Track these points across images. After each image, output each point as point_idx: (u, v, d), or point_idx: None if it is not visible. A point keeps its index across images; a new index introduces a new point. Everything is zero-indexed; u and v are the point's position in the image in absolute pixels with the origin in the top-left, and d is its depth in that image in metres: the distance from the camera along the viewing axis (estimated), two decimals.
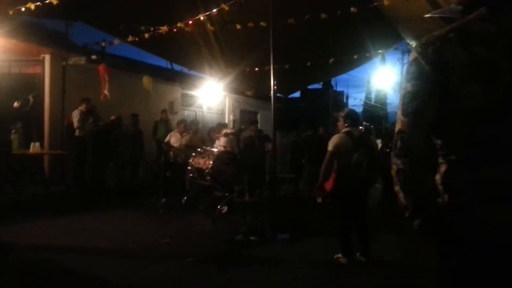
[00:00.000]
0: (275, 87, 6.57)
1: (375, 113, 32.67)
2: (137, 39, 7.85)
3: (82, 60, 9.36)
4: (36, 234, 5.56)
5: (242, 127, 10.15)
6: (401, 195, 1.48)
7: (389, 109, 32.77)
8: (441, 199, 1.44)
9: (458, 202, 1.41)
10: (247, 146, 9.06)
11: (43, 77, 9.22)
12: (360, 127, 6.02)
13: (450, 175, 1.44)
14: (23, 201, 7.32)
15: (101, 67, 8.92)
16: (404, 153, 1.45)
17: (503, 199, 1.34)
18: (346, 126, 4.81)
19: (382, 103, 32.12)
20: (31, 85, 9.09)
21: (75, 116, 8.54)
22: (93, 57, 9.19)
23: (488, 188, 1.36)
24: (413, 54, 1.47)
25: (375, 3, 6.67)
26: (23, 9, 6.41)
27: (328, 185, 4.70)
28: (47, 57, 9.20)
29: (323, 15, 7.16)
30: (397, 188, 1.48)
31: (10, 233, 5.53)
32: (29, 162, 8.00)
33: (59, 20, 9.30)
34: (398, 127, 1.48)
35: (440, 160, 1.46)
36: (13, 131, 7.49)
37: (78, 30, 9.89)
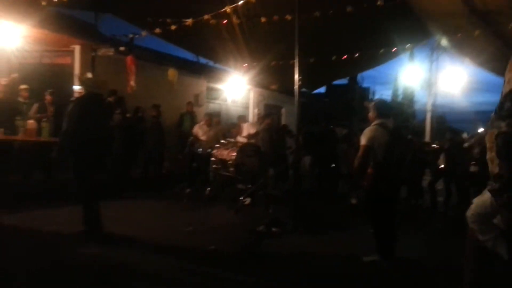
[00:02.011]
0: (299, 82, 6.53)
1: (402, 110, 32.12)
2: (163, 31, 7.90)
3: (110, 51, 9.48)
4: (64, 219, 5.69)
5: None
6: (495, 162, 1.35)
7: (417, 106, 32.14)
8: None
9: None
10: (263, 139, 9.03)
11: (73, 68, 9.42)
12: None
13: None
14: (53, 188, 7.49)
15: (129, 59, 9.00)
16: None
17: None
18: (378, 117, 4.52)
19: (409, 100, 31.47)
20: (62, 75, 9.30)
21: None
22: (121, 48, 9.25)
23: None
24: None
25: None
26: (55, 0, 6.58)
27: (365, 182, 4.45)
28: (77, 48, 9.38)
29: (349, 9, 7.07)
30: (491, 155, 1.35)
31: (47, 218, 5.73)
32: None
33: (89, 11, 9.48)
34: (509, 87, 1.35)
35: None
36: (44, 119, 7.68)
37: (107, 22, 10.05)
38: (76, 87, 7.90)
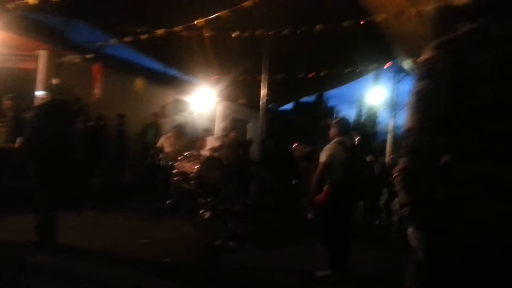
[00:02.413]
0: (267, 97, 6.64)
1: (365, 130, 32.91)
2: (133, 40, 7.85)
3: (77, 58, 9.31)
4: (15, 228, 5.53)
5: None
6: (402, 193, 1.49)
7: (380, 127, 33.02)
8: (439, 195, 1.44)
9: (456, 198, 1.41)
10: (227, 153, 9.06)
11: (37, 73, 9.21)
12: (356, 137, 5.94)
13: (450, 169, 1.43)
14: (4, 193, 7.24)
15: (95, 67, 8.94)
16: (409, 151, 1.47)
17: (504, 197, 1.34)
18: (338, 135, 4.65)
19: (373, 120, 32.30)
20: (25, 80, 9.08)
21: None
22: (88, 56, 9.15)
23: (490, 186, 1.36)
24: (427, 54, 1.51)
25: (367, 19, 6.80)
26: (21, 2, 6.45)
27: (321, 198, 4.52)
28: (43, 53, 9.17)
29: (318, 27, 7.21)
30: (398, 187, 1.50)
31: None
32: (14, 156, 7.95)
33: (58, 17, 9.32)
34: (406, 125, 1.50)
35: (443, 157, 1.45)
36: (1, 125, 7.46)
37: (78, 29, 9.91)
38: (39, 93, 7.73)
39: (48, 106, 5.15)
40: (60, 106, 5.16)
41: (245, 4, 6.06)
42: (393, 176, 1.55)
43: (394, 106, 16.20)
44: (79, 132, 7.96)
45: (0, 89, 8.13)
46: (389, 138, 15.85)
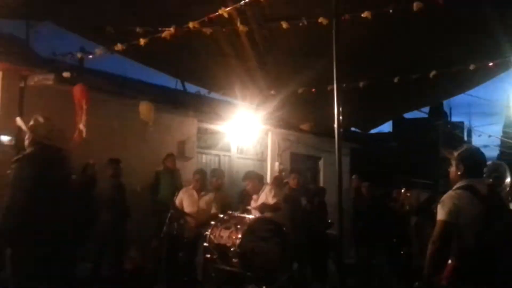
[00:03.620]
0: (341, 117, 6.65)
1: None
2: (129, 47, 8.14)
3: (49, 80, 9.62)
4: None
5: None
6: None
7: None
8: None
9: None
10: (287, 211, 9.04)
11: None
12: (489, 179, 5.68)
13: None
14: None
15: (76, 89, 9.14)
16: None
17: None
18: (464, 177, 4.58)
19: None
20: None
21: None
22: (65, 74, 9.41)
23: None
24: None
25: None
26: None
27: (443, 280, 4.43)
28: None
29: (416, 4, 7.11)
30: None
31: None
32: None
33: (18, 20, 9.83)
34: None
35: None
36: None
37: (44, 35, 10.32)
38: (4, 138, 8.01)
39: (37, 158, 5.27)
40: (54, 159, 5.35)
41: None
42: None
43: None
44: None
45: None
46: None
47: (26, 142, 5.44)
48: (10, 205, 4.96)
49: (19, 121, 5.69)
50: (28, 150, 5.37)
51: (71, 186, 5.82)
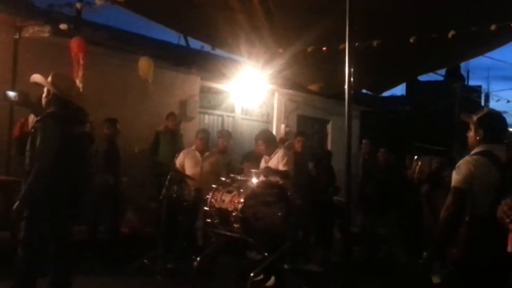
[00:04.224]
0: (352, 78, 6.57)
1: None
2: None
3: (45, 32, 9.57)
4: None
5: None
6: None
7: None
8: None
9: None
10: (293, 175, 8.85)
11: None
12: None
13: None
14: None
15: (74, 42, 9.11)
16: None
17: None
18: (484, 142, 4.55)
19: None
20: None
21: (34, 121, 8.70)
22: (62, 26, 9.26)
23: None
24: None
25: None
26: None
27: (456, 250, 4.44)
28: None
29: None
30: None
31: None
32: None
33: None
34: None
35: None
36: None
37: None
38: (11, 93, 7.96)
39: (61, 118, 5.36)
40: (77, 118, 5.54)
41: None
42: None
43: None
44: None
45: None
46: None
47: (45, 100, 5.55)
48: (40, 167, 5.10)
49: (37, 77, 5.62)
50: (52, 109, 5.46)
51: (91, 145, 6.13)
